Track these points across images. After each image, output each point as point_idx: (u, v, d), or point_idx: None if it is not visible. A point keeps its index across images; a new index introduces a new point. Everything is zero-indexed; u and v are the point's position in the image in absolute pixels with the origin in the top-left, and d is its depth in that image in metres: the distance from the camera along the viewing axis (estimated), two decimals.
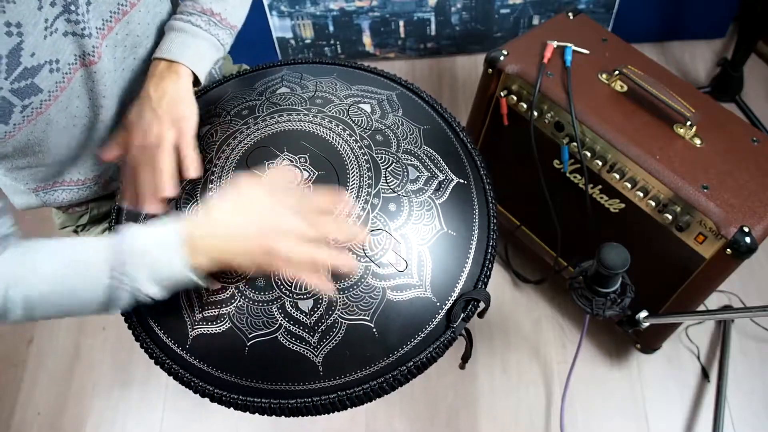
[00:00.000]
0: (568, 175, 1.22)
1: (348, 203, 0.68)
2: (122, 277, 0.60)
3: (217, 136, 0.77)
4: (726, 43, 1.98)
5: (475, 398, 1.44)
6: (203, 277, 0.64)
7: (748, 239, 0.98)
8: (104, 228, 0.97)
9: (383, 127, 0.77)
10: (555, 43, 1.20)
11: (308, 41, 1.93)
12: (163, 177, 0.71)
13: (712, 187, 1.03)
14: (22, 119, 0.68)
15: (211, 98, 0.85)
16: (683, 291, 1.16)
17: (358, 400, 0.68)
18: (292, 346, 0.66)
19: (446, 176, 0.75)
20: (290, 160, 0.73)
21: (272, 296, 0.67)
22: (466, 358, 0.80)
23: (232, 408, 0.69)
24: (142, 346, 0.72)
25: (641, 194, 1.10)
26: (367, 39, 1.94)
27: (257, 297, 0.67)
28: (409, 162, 0.75)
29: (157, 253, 0.61)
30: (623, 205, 1.16)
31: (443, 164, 0.76)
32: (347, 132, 0.76)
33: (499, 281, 1.58)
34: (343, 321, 0.66)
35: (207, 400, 0.70)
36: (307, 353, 0.66)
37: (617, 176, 1.12)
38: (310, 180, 0.71)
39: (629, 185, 1.11)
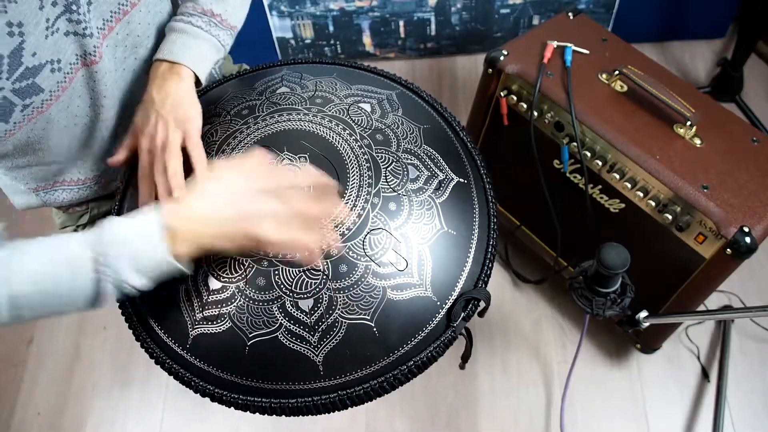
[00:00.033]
0: (568, 175, 1.22)
1: (326, 178, 0.67)
2: (106, 269, 0.59)
3: (217, 135, 0.78)
4: (726, 43, 1.98)
5: (475, 398, 1.44)
6: (185, 264, 0.63)
7: (748, 239, 0.99)
8: None
9: (383, 127, 0.77)
10: (555, 43, 1.20)
11: (308, 41, 1.93)
12: (175, 178, 0.71)
13: (712, 187, 1.03)
14: (23, 118, 0.68)
15: (211, 98, 0.85)
16: (683, 291, 1.16)
17: (359, 400, 0.68)
18: (293, 346, 0.66)
19: (446, 175, 0.75)
20: (290, 159, 0.73)
21: (273, 296, 0.67)
22: (466, 357, 0.80)
23: (232, 407, 0.69)
24: (142, 346, 0.72)
25: (641, 194, 1.10)
26: (367, 39, 1.95)
27: (258, 296, 0.67)
28: (409, 161, 0.75)
29: (138, 242, 0.60)
30: (623, 205, 1.16)
31: (443, 163, 0.76)
32: (347, 131, 0.76)
33: (499, 281, 1.58)
34: (344, 320, 0.66)
35: (207, 399, 0.70)
36: (307, 352, 0.66)
37: (617, 176, 1.12)
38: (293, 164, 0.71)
39: (629, 185, 1.11)
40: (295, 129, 0.76)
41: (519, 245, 1.53)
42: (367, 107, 0.80)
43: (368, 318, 0.67)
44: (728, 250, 1.01)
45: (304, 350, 0.66)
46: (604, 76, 1.18)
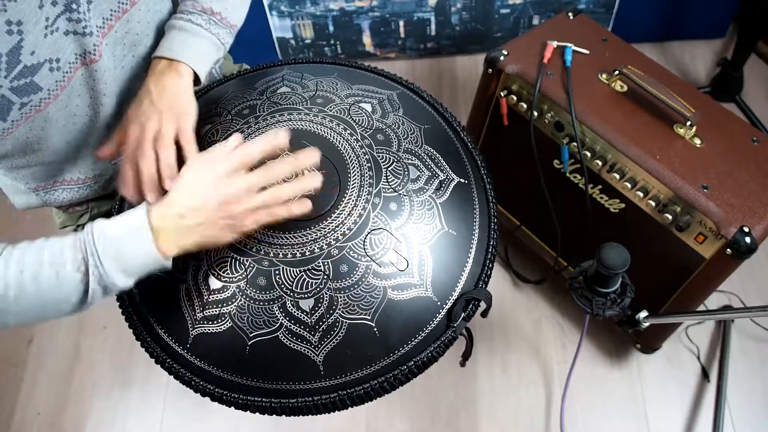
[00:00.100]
0: (568, 175, 1.22)
1: (284, 134, 0.66)
2: (93, 266, 0.59)
3: (218, 135, 0.78)
4: (726, 43, 1.98)
5: (475, 398, 1.44)
6: (169, 259, 0.63)
7: (748, 239, 0.99)
8: None
9: (384, 127, 0.77)
10: (555, 43, 1.20)
11: (308, 41, 1.93)
12: (167, 169, 0.71)
13: (712, 187, 1.03)
14: (21, 116, 0.68)
15: (211, 97, 0.85)
16: (683, 291, 1.16)
17: (359, 400, 0.68)
18: (293, 345, 0.66)
19: (447, 176, 0.75)
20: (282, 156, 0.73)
21: (273, 295, 0.67)
22: (466, 356, 0.80)
23: (232, 407, 0.69)
24: (142, 345, 0.72)
25: (641, 194, 1.10)
26: (367, 39, 1.95)
27: (258, 296, 0.67)
28: (409, 161, 0.75)
29: (123, 245, 0.61)
30: (623, 205, 1.16)
31: (444, 164, 0.76)
32: (348, 131, 0.76)
33: (499, 281, 1.58)
34: (344, 320, 0.67)
35: (207, 399, 0.70)
36: (307, 352, 0.66)
37: (617, 176, 1.12)
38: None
39: (629, 185, 1.11)
40: (296, 129, 0.76)
41: (519, 245, 1.53)
42: (367, 107, 0.80)
43: (369, 318, 0.67)
44: (728, 250, 1.01)
45: (304, 350, 0.66)
46: (604, 76, 1.18)
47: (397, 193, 0.71)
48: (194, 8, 0.80)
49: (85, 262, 0.59)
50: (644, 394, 1.42)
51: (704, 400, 1.41)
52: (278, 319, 0.67)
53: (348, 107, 0.79)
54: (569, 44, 1.20)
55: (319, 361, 0.67)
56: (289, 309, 0.66)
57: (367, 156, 0.74)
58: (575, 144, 1.14)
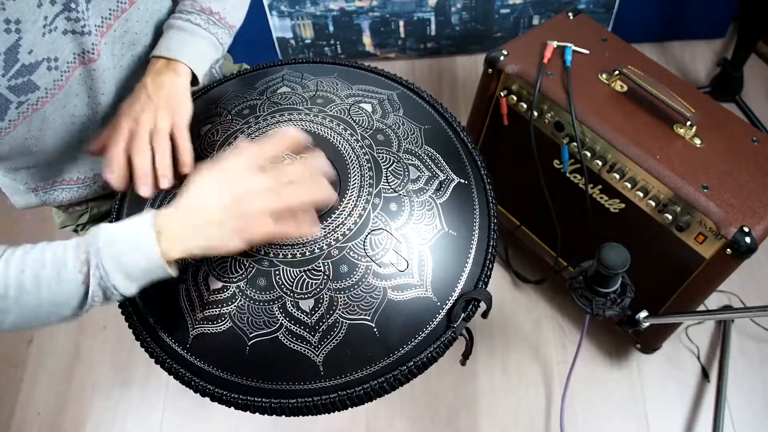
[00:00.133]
0: (568, 175, 1.22)
1: (298, 135, 0.65)
2: (95, 268, 0.58)
3: (218, 135, 0.78)
4: (726, 43, 1.98)
5: (475, 398, 1.44)
6: (173, 265, 0.62)
7: (748, 239, 0.99)
8: None
9: (384, 127, 0.77)
10: (555, 43, 1.20)
11: (308, 41, 1.93)
12: (162, 164, 0.70)
13: (712, 187, 1.03)
14: (18, 116, 0.68)
15: (211, 97, 0.85)
16: (683, 291, 1.16)
17: (359, 400, 0.68)
18: (293, 346, 0.66)
19: (447, 176, 0.75)
20: (291, 159, 0.73)
21: (273, 296, 0.67)
22: (466, 355, 0.80)
23: (232, 407, 0.69)
24: (142, 345, 0.72)
25: (641, 194, 1.10)
26: (367, 39, 1.95)
27: (258, 296, 0.67)
28: (410, 162, 0.75)
29: (127, 244, 0.59)
30: (623, 205, 1.16)
31: (444, 164, 0.76)
32: (348, 131, 0.76)
33: (499, 281, 1.58)
34: (344, 321, 0.66)
35: (207, 399, 0.70)
36: (307, 353, 0.66)
37: (617, 176, 1.12)
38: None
39: (629, 185, 1.11)
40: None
41: (519, 245, 1.53)
42: (368, 107, 0.80)
43: (369, 318, 0.67)
44: (728, 250, 1.01)
45: (304, 350, 0.66)
46: (604, 76, 1.18)
47: (397, 194, 0.71)
48: (193, 8, 0.80)
49: (87, 263, 0.58)
50: (644, 394, 1.42)
51: (704, 400, 1.41)
52: (278, 320, 0.66)
53: (348, 107, 0.79)
54: (569, 44, 1.20)
55: (319, 362, 0.66)
56: (289, 309, 0.66)
57: (367, 156, 0.74)
58: (575, 144, 1.14)
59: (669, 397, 1.42)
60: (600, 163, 1.13)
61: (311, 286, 0.67)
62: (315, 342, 0.66)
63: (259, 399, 0.67)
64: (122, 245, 0.59)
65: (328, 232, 0.68)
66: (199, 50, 0.79)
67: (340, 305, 0.66)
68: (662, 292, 1.20)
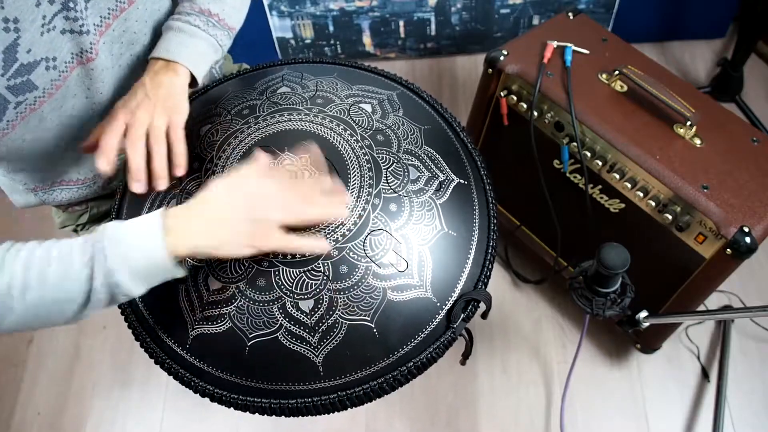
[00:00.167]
0: (568, 175, 1.22)
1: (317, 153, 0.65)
2: (99, 265, 0.57)
3: (217, 135, 0.77)
4: (726, 43, 1.98)
5: (475, 398, 1.44)
6: (181, 265, 0.61)
7: (748, 239, 0.99)
8: None
9: (384, 127, 0.77)
10: (555, 43, 1.20)
11: (308, 41, 1.93)
12: (162, 162, 0.70)
13: (712, 187, 1.03)
14: (16, 116, 0.68)
15: (211, 97, 0.85)
16: (683, 291, 1.16)
17: (359, 401, 0.68)
18: (293, 346, 0.66)
19: (447, 176, 0.75)
20: (291, 160, 0.73)
21: (273, 296, 0.67)
22: (466, 355, 0.80)
23: (232, 408, 0.69)
24: (142, 346, 0.72)
25: (641, 194, 1.10)
26: (367, 39, 1.94)
27: (258, 297, 0.67)
28: (409, 162, 0.75)
29: (133, 239, 0.59)
30: (623, 205, 1.16)
31: (444, 164, 0.76)
32: (348, 132, 0.76)
33: (499, 281, 1.58)
34: (344, 321, 0.66)
35: (207, 400, 0.70)
36: (307, 353, 0.66)
37: (617, 176, 1.12)
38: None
39: (629, 185, 1.11)
40: (296, 129, 0.76)
41: (519, 245, 1.53)
42: (367, 108, 0.80)
43: (368, 319, 0.67)
44: (728, 250, 1.01)
45: (304, 351, 0.66)
46: (604, 76, 1.18)
47: (397, 194, 0.71)
48: (192, 9, 0.80)
49: (92, 261, 0.57)
50: (644, 394, 1.42)
51: (704, 400, 1.41)
52: (278, 320, 0.66)
53: (348, 108, 0.79)
54: (569, 44, 1.20)
55: (319, 362, 0.66)
56: (289, 310, 0.66)
57: (367, 157, 0.74)
58: (575, 144, 1.14)
59: (669, 397, 1.42)
60: (600, 163, 1.13)
61: (311, 287, 0.67)
62: (315, 342, 0.66)
63: (259, 399, 0.67)
64: (128, 243, 0.58)
65: (328, 233, 0.68)
66: (198, 52, 0.79)
67: (340, 306, 0.66)
68: (662, 292, 1.20)
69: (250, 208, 0.61)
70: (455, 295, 0.70)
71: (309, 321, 0.66)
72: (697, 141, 1.09)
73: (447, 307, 0.69)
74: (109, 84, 0.78)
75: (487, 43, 1.96)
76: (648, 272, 1.09)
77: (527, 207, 1.42)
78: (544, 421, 1.41)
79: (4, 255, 0.58)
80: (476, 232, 0.73)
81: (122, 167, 0.74)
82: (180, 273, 0.62)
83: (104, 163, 0.70)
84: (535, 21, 1.90)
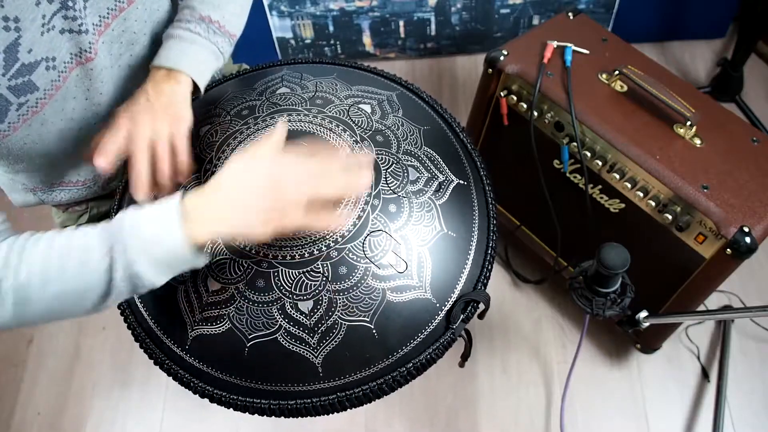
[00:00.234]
0: (568, 175, 1.22)
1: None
2: (118, 257, 0.56)
3: (217, 136, 0.77)
4: (726, 43, 1.97)
5: (475, 398, 1.44)
6: (203, 253, 0.60)
7: (748, 239, 0.98)
8: None
9: (383, 128, 0.77)
10: (555, 43, 1.20)
11: (308, 41, 1.93)
12: (165, 172, 0.70)
13: (712, 187, 1.03)
14: (18, 118, 0.67)
15: (210, 98, 0.85)
16: (683, 291, 1.16)
17: (358, 401, 0.68)
18: (292, 347, 0.66)
19: (446, 177, 0.75)
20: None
21: (272, 297, 0.67)
22: (465, 357, 0.80)
23: (231, 408, 0.69)
24: (141, 347, 0.72)
25: (641, 194, 1.09)
26: (367, 39, 1.94)
27: (257, 298, 0.67)
28: (409, 163, 0.75)
29: (155, 229, 0.57)
30: (623, 205, 1.16)
31: (443, 165, 0.76)
32: (347, 132, 0.76)
33: (499, 281, 1.58)
34: (343, 322, 0.66)
35: (207, 400, 0.70)
36: (306, 354, 0.66)
37: (617, 176, 1.12)
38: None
39: (629, 185, 1.11)
40: (296, 130, 0.76)
41: (519, 245, 1.53)
42: (367, 108, 0.79)
43: (368, 320, 0.67)
44: (728, 250, 1.01)
45: (303, 352, 0.66)
46: (604, 76, 1.18)
47: (396, 195, 0.71)
48: (192, 16, 0.79)
49: (111, 251, 0.56)
50: (644, 394, 1.42)
51: (704, 400, 1.40)
52: (277, 321, 0.66)
53: (347, 108, 0.79)
54: (569, 44, 1.20)
55: (318, 363, 0.66)
56: (288, 311, 0.66)
57: None
58: (575, 144, 1.14)
59: (669, 397, 1.42)
60: (600, 163, 1.13)
61: (310, 288, 0.67)
62: (314, 343, 0.66)
63: (258, 400, 0.67)
64: (147, 233, 0.57)
65: (327, 234, 0.68)
66: (200, 59, 0.79)
67: (339, 307, 0.66)
68: (662, 292, 1.20)
69: (267, 189, 0.59)
70: (455, 296, 0.70)
71: (308, 322, 0.66)
72: (697, 141, 1.09)
73: (446, 308, 0.69)
74: (108, 84, 0.78)
75: (487, 43, 1.96)
76: (648, 272, 1.09)
77: (527, 207, 1.42)
78: (544, 421, 1.41)
79: (23, 245, 0.58)
80: (476, 232, 0.73)
81: (122, 167, 0.74)
82: (201, 262, 0.61)
83: (103, 161, 0.70)
84: (535, 21, 1.90)
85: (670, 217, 1.06)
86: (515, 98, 1.22)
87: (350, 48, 1.97)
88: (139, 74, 0.82)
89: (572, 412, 1.40)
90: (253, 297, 0.67)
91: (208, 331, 0.68)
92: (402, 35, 1.94)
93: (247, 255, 0.68)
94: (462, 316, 0.69)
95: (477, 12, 1.87)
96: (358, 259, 0.67)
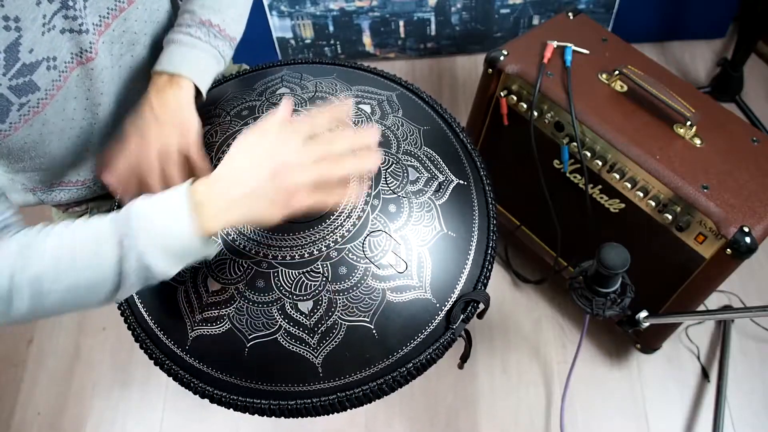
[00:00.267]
0: (568, 175, 1.22)
1: (347, 107, 0.63)
2: (129, 249, 0.56)
3: (217, 136, 0.77)
4: (726, 43, 1.97)
5: (475, 398, 1.44)
6: (213, 242, 0.60)
7: (748, 239, 0.98)
8: None
9: (383, 128, 0.77)
10: (555, 43, 1.20)
11: (308, 41, 1.93)
12: (174, 185, 0.70)
13: (712, 187, 1.03)
14: (19, 118, 0.67)
15: (210, 98, 0.85)
16: (683, 291, 1.16)
17: (358, 402, 0.68)
18: (292, 348, 0.66)
19: (446, 177, 0.75)
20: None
21: (272, 297, 0.67)
22: (464, 358, 0.80)
23: (231, 409, 0.69)
24: (141, 347, 0.72)
25: (641, 194, 1.10)
26: (367, 39, 1.94)
27: (257, 298, 0.67)
28: (409, 163, 0.75)
29: (164, 218, 0.57)
30: (623, 205, 1.16)
31: (443, 165, 0.76)
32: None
33: (499, 281, 1.58)
34: (343, 322, 0.66)
35: (207, 400, 0.70)
36: (306, 354, 0.66)
37: (617, 176, 1.12)
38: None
39: (629, 185, 1.11)
40: None
41: (519, 245, 1.53)
42: (367, 108, 0.79)
43: (368, 320, 0.67)
44: (728, 250, 1.01)
45: (303, 352, 0.66)
46: (604, 76, 1.18)
47: (396, 195, 0.71)
48: (193, 21, 0.79)
49: (121, 243, 0.57)
50: (644, 394, 1.42)
51: (704, 400, 1.41)
52: (277, 321, 0.66)
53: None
54: (569, 44, 1.20)
55: (318, 363, 0.66)
56: (288, 311, 0.66)
57: None
58: (575, 144, 1.14)
59: (669, 397, 1.42)
60: (600, 163, 1.13)
61: (310, 288, 0.67)
62: (314, 343, 0.66)
63: (258, 401, 0.67)
64: (155, 220, 0.57)
65: (327, 234, 0.68)
66: (201, 64, 0.78)
67: (339, 307, 0.66)
68: (662, 292, 1.20)
69: (273, 175, 0.58)
70: (455, 296, 0.69)
71: (308, 322, 0.66)
72: (697, 141, 1.09)
73: (446, 308, 0.69)
74: (109, 85, 0.78)
75: (487, 43, 1.96)
76: (648, 272, 1.09)
77: (527, 207, 1.42)
78: (544, 421, 1.41)
79: (37, 237, 0.58)
80: (476, 232, 0.73)
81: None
82: (213, 251, 0.61)
83: (113, 179, 0.72)
84: (535, 21, 1.90)
85: (670, 217, 1.06)
86: (515, 98, 1.22)
87: (350, 48, 1.97)
88: (140, 75, 0.81)
89: (572, 412, 1.40)
90: (253, 297, 0.67)
91: (208, 332, 0.68)
92: (402, 35, 1.94)
93: (247, 255, 0.68)
94: (462, 316, 0.69)
95: (477, 12, 1.87)
96: (358, 260, 0.67)
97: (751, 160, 1.07)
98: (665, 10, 1.89)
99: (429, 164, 0.75)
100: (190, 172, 0.72)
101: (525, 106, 1.21)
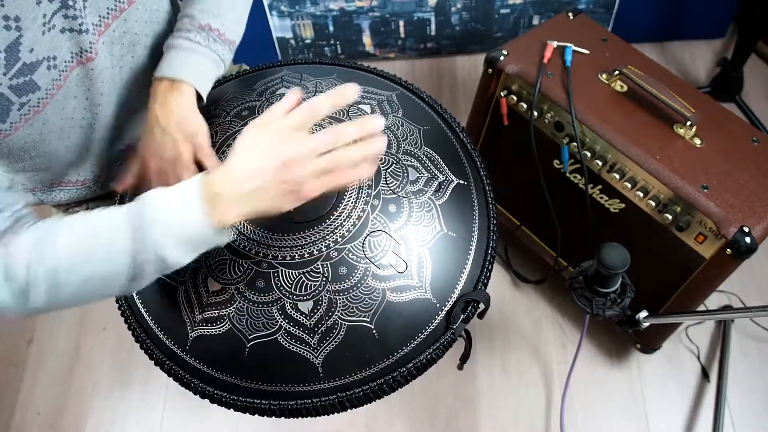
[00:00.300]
0: (568, 175, 1.22)
1: (353, 88, 0.63)
2: (144, 238, 0.57)
3: (217, 137, 0.77)
4: (726, 43, 1.97)
5: (475, 399, 1.44)
6: (226, 232, 0.61)
7: (748, 239, 0.98)
8: None
9: (383, 128, 0.77)
10: (555, 43, 1.20)
11: (308, 41, 1.93)
12: None
13: (712, 187, 1.03)
14: (20, 118, 0.67)
15: (211, 99, 0.85)
16: (683, 291, 1.16)
17: (358, 402, 0.68)
18: (292, 348, 0.66)
19: (446, 177, 0.75)
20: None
21: (272, 297, 0.67)
22: (464, 358, 0.80)
23: (231, 409, 0.69)
24: (141, 347, 0.72)
25: (641, 194, 1.10)
26: (367, 39, 1.94)
27: (257, 298, 0.67)
28: (409, 163, 0.75)
29: (178, 209, 0.58)
30: (623, 205, 1.16)
31: (443, 165, 0.76)
32: None
33: (499, 281, 1.58)
34: (343, 322, 0.66)
35: (207, 400, 0.70)
36: (306, 354, 0.66)
37: (617, 176, 1.12)
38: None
39: (629, 185, 1.11)
40: None
41: (519, 245, 1.53)
42: (367, 108, 0.80)
43: (368, 320, 0.67)
44: (728, 250, 1.01)
45: (303, 352, 0.66)
46: (604, 76, 1.18)
47: (396, 195, 0.71)
48: (192, 25, 0.79)
49: (135, 236, 0.57)
50: (644, 394, 1.42)
51: (704, 400, 1.41)
52: (277, 321, 0.66)
53: (347, 109, 0.79)
54: (569, 44, 1.20)
55: (318, 363, 0.66)
56: (288, 311, 0.66)
57: None
58: (575, 144, 1.14)
59: (669, 397, 1.42)
60: (600, 163, 1.13)
61: (310, 288, 0.67)
62: (314, 344, 0.66)
63: (258, 401, 0.67)
64: (169, 212, 0.58)
65: (327, 234, 0.68)
66: (201, 68, 0.79)
67: (339, 307, 0.66)
68: (662, 292, 1.20)
69: (285, 166, 0.59)
70: (455, 296, 0.70)
71: (308, 322, 0.66)
72: (697, 141, 1.09)
73: (446, 308, 0.69)
74: (109, 85, 0.78)
75: (487, 43, 1.96)
76: (648, 272, 1.09)
77: (527, 207, 1.42)
78: (544, 421, 1.41)
79: (51, 230, 0.59)
80: (476, 232, 0.73)
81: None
82: (225, 240, 0.62)
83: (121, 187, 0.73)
84: (535, 21, 1.90)
85: (670, 217, 1.06)
86: (515, 98, 1.22)
87: (350, 48, 1.97)
88: (140, 76, 0.82)
89: (572, 412, 1.40)
90: (253, 297, 0.67)
91: (208, 332, 0.68)
92: (402, 35, 1.94)
93: (247, 255, 0.68)
94: (462, 316, 0.69)
95: (477, 12, 1.87)
96: (358, 260, 0.67)
97: (751, 160, 1.07)
98: (665, 10, 1.89)
99: (429, 164, 0.75)
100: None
101: (525, 106, 1.21)
